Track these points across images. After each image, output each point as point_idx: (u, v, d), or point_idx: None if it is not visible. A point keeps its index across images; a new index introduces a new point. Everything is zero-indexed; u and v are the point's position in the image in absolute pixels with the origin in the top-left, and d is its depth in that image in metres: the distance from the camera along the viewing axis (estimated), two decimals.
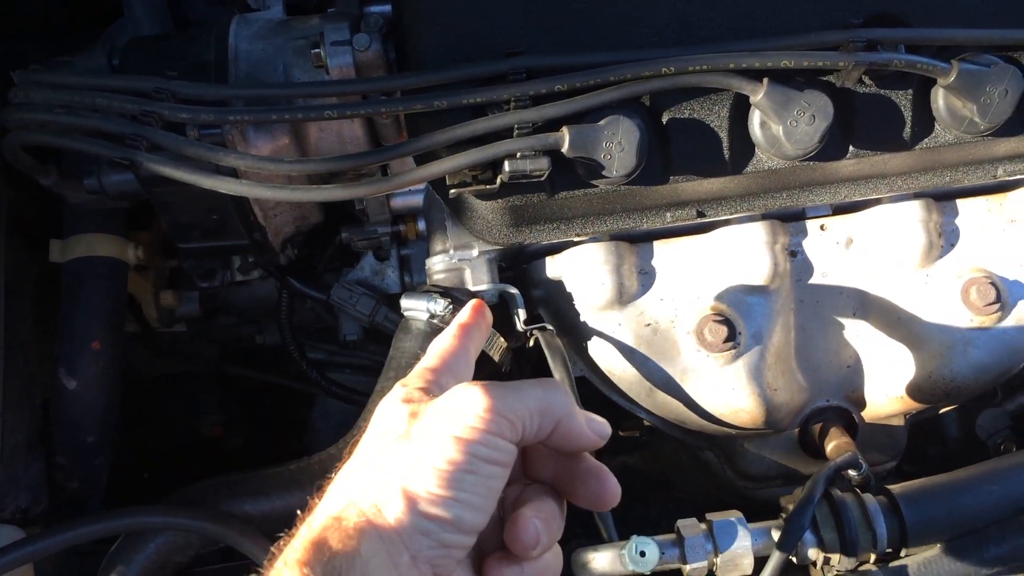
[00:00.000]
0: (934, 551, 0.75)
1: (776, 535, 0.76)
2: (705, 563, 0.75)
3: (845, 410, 0.89)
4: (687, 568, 0.76)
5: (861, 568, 0.75)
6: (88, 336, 0.90)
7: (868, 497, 0.76)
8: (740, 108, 0.73)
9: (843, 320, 0.88)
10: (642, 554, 0.72)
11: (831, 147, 0.74)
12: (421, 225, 0.94)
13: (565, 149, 0.70)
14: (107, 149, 0.68)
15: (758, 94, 0.69)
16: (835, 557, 0.75)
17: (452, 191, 0.73)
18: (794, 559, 0.76)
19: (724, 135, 0.74)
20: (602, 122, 0.70)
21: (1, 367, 0.84)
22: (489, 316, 0.65)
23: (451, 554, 0.53)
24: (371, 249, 0.96)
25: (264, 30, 0.79)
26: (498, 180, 0.72)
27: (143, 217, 1.00)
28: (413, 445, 0.53)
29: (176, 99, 0.69)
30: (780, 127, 0.70)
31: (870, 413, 0.90)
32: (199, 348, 1.18)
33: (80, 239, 0.92)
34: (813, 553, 0.75)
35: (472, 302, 0.65)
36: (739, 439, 0.91)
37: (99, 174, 0.79)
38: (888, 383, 0.88)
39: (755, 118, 0.73)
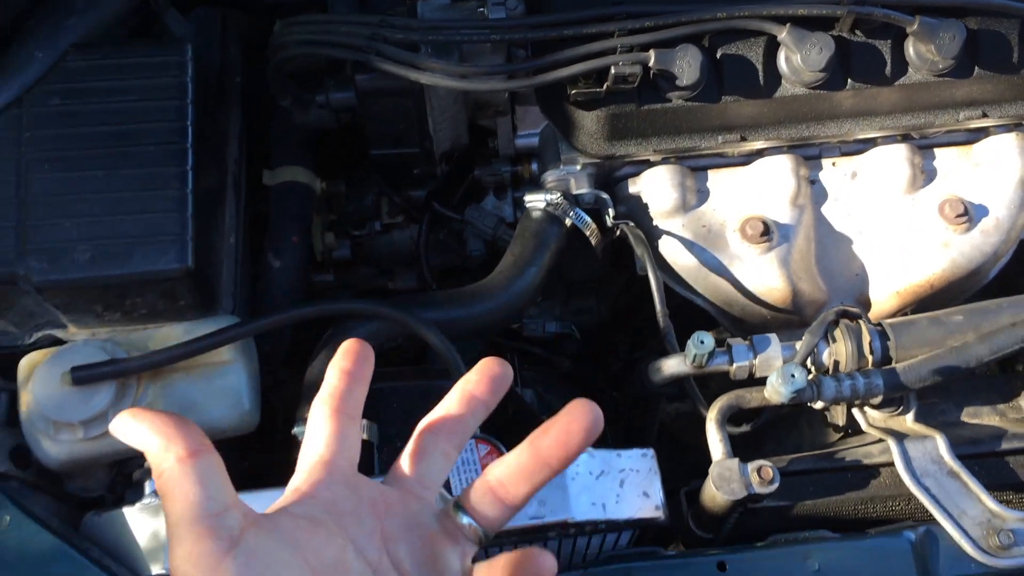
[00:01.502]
0: (920, 357, 1.00)
1: (799, 346, 1.02)
2: (747, 363, 1.02)
3: (855, 311, 1.16)
4: (733, 367, 1.02)
5: (860, 369, 1.00)
6: (290, 232, 1.21)
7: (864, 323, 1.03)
8: (771, 47, 1.07)
9: (851, 236, 1.17)
10: (702, 342, 0.99)
11: (834, 79, 1.07)
12: (534, 166, 1.26)
13: (652, 63, 1.04)
14: (351, 54, 1.04)
15: (783, 33, 1.04)
16: (842, 361, 1.01)
17: (572, 93, 1.06)
18: (811, 365, 1.02)
19: (759, 66, 1.07)
20: (677, 48, 1.04)
21: (236, 255, 1.14)
22: (368, 361, 0.63)
23: None
24: (494, 186, 1.28)
25: (439, 6, 1.17)
26: (604, 86, 1.06)
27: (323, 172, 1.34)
28: None
29: (393, 28, 1.06)
30: (798, 55, 1.04)
31: (876, 312, 1.16)
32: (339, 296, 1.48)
33: (286, 169, 1.26)
34: (827, 356, 1.02)
35: (346, 345, 0.63)
36: (772, 325, 1.18)
37: (327, 92, 1.15)
38: (888, 285, 1.15)
39: (781, 54, 1.07)
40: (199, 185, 1.01)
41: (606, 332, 1.50)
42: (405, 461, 0.61)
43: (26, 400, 0.99)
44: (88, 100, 1.00)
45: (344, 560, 0.54)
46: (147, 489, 0.99)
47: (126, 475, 1.07)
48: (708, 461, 0.99)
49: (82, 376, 0.96)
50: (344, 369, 0.61)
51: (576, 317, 1.45)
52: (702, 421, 1.03)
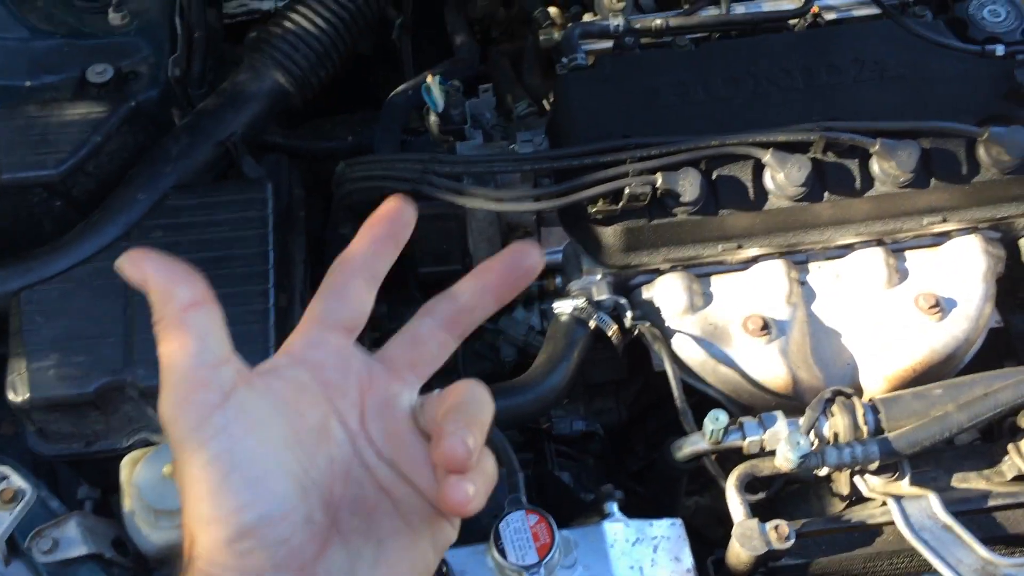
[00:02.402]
0: (908, 427, 1.15)
1: (802, 421, 1.17)
2: (758, 438, 1.16)
3: (849, 391, 1.31)
4: (745, 442, 1.16)
5: (858, 439, 1.15)
6: None
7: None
8: (758, 168, 1.27)
9: (839, 329, 1.33)
10: (717, 418, 1.14)
11: (813, 193, 1.26)
12: (557, 280, 1.43)
13: (659, 184, 1.23)
14: (406, 185, 1.24)
15: (767, 156, 1.24)
16: (841, 433, 1.15)
17: (592, 213, 1.25)
18: (814, 437, 1.16)
19: (749, 184, 1.27)
20: (679, 170, 1.24)
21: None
22: (406, 212, 0.59)
23: (290, 545, 0.49)
24: (523, 299, 1.46)
25: (475, 146, 1.38)
26: (619, 205, 1.24)
27: None
28: (177, 470, 0.50)
29: (440, 163, 1.26)
30: (781, 173, 1.24)
31: (867, 396, 1.32)
32: None
33: None
34: (827, 429, 1.16)
35: (386, 204, 0.59)
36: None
37: None
38: (876, 371, 1.30)
39: (767, 173, 1.26)
40: (277, 299, 1.18)
41: (624, 433, 1.64)
42: (401, 342, 0.57)
43: (130, 493, 1.12)
44: (185, 232, 1.19)
45: (327, 427, 0.53)
46: None
47: None
48: (726, 546, 1.11)
49: None
50: (371, 231, 0.58)
51: (597, 418, 1.59)
52: (721, 514, 1.16)
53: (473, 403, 0.53)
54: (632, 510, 1.40)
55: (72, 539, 1.03)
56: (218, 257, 1.17)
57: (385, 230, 0.59)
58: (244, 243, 1.18)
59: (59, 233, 1.20)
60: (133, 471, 1.12)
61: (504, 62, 1.73)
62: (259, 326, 1.13)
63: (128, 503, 1.11)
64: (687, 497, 1.52)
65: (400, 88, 1.55)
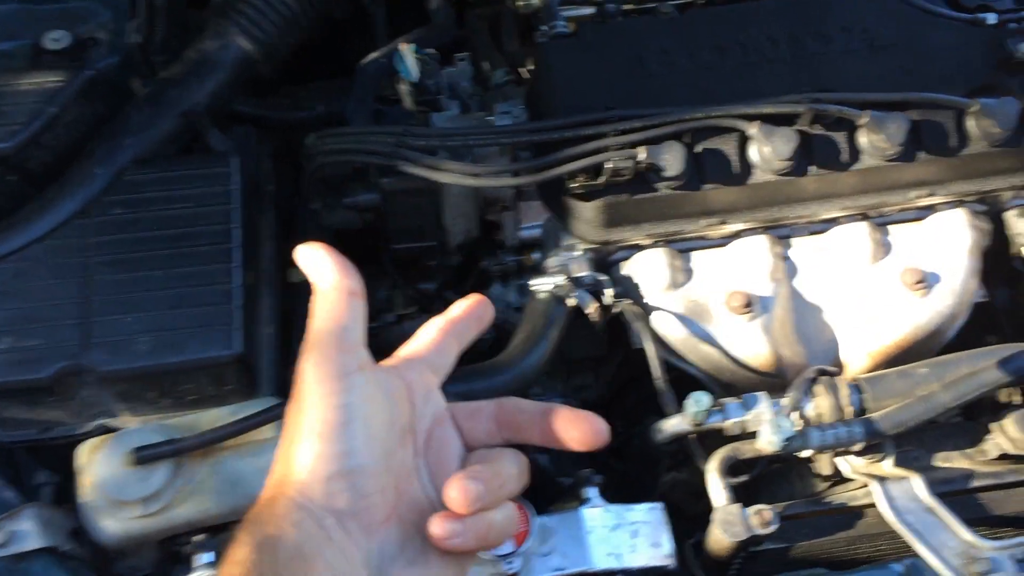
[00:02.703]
0: (892, 407, 1.12)
1: (785, 401, 1.14)
2: (740, 419, 1.13)
3: (832, 370, 1.29)
4: (727, 423, 1.14)
5: (841, 420, 1.12)
6: None
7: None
8: (743, 141, 1.22)
9: (823, 305, 1.30)
10: (699, 400, 1.11)
11: (799, 167, 1.22)
12: (535, 256, 1.39)
13: (641, 158, 1.19)
14: (379, 159, 1.19)
15: (753, 128, 1.19)
16: (824, 414, 1.13)
17: (572, 187, 1.21)
18: (799, 415, 1.13)
19: (734, 158, 1.23)
20: (662, 144, 1.20)
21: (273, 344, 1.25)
22: (488, 312, 0.74)
23: (369, 502, 0.59)
24: (500, 275, 1.42)
25: (450, 117, 1.32)
26: (601, 180, 1.20)
27: None
28: (298, 408, 0.61)
29: (415, 136, 1.21)
30: (767, 147, 1.20)
31: (851, 373, 1.29)
32: None
33: None
34: (810, 410, 1.14)
35: (473, 297, 0.74)
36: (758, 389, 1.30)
37: (354, 194, 1.29)
38: (860, 348, 1.27)
39: (752, 146, 1.22)
40: (243, 279, 1.13)
41: (604, 409, 1.61)
42: (431, 350, 0.70)
43: (87, 482, 1.08)
44: (146, 208, 1.14)
45: (407, 434, 0.64)
46: (201, 560, 1.07)
47: (173, 552, 1.15)
48: (707, 524, 1.09)
49: (144, 456, 1.06)
50: (469, 307, 0.73)
51: (576, 394, 1.56)
52: (698, 488, 1.13)
53: (502, 475, 0.63)
54: (610, 488, 1.38)
55: (26, 532, 0.99)
56: (180, 234, 1.12)
57: (478, 311, 0.74)
58: (208, 220, 1.13)
59: (13, 209, 1.15)
60: (91, 459, 1.08)
61: (482, 27, 1.67)
62: (223, 307, 1.09)
63: (86, 493, 1.07)
64: (664, 472, 1.50)
65: (373, 55, 1.49)
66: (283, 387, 1.26)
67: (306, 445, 0.59)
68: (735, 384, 1.28)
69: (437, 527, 0.59)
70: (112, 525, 1.07)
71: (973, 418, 1.27)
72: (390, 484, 0.61)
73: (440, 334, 0.71)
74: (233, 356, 1.08)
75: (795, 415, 1.13)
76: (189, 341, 1.08)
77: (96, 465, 1.08)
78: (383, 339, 1.50)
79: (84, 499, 1.08)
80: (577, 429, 0.67)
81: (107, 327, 1.08)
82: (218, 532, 1.11)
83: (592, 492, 1.12)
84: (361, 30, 1.85)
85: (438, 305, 1.45)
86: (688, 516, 1.32)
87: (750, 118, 1.19)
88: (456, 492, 0.59)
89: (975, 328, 1.36)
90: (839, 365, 1.28)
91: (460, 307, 0.73)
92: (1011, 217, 1.35)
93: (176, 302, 1.09)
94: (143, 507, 1.07)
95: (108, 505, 1.07)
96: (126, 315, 1.08)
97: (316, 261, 0.65)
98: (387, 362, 0.68)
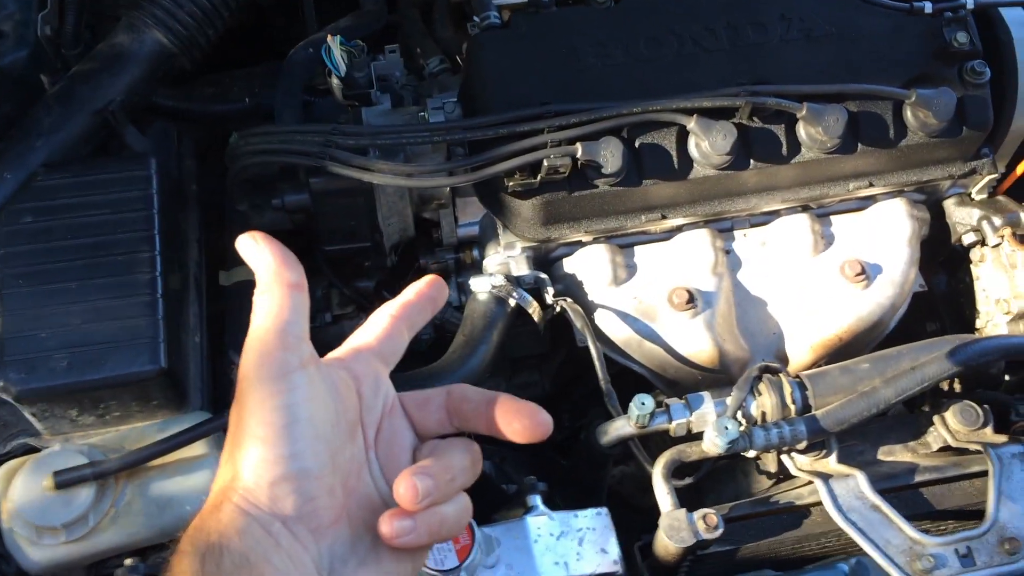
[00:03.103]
0: (836, 404, 1.11)
1: (729, 401, 1.13)
2: (685, 420, 1.12)
3: (776, 367, 1.28)
4: (672, 425, 1.12)
5: (785, 419, 1.11)
6: (247, 329, 1.28)
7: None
8: (682, 136, 1.20)
9: (766, 298, 1.29)
10: (643, 403, 1.09)
11: (739, 161, 1.20)
12: (476, 253, 1.36)
13: (579, 155, 1.15)
14: (307, 159, 1.13)
15: (691, 123, 1.17)
16: (768, 412, 1.12)
17: (510, 185, 1.17)
18: (741, 417, 1.12)
19: (674, 153, 1.20)
20: (600, 140, 1.16)
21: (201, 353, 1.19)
22: (443, 293, 0.72)
23: (317, 504, 0.58)
24: (439, 273, 1.37)
25: (382, 112, 1.27)
26: (538, 177, 1.17)
27: None
28: (239, 411, 0.59)
29: (344, 135, 1.16)
30: (706, 142, 1.17)
31: (794, 365, 1.28)
32: None
33: (240, 269, 1.32)
34: (754, 408, 1.12)
35: (428, 278, 0.73)
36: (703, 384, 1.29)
37: (282, 195, 1.23)
38: (803, 340, 1.26)
39: (691, 141, 1.20)
40: (166, 288, 1.07)
41: (550, 405, 1.58)
42: (380, 339, 0.69)
43: (6, 508, 1.02)
44: (59, 216, 1.07)
45: (356, 428, 0.63)
46: None
47: None
48: (655, 520, 1.08)
49: (64, 480, 1.00)
50: (421, 291, 0.71)
51: (521, 392, 1.53)
52: (646, 482, 1.12)
53: (452, 467, 0.62)
54: (556, 485, 1.36)
55: None
56: (97, 243, 1.06)
57: (431, 292, 0.72)
58: (127, 227, 1.07)
59: None
60: (10, 484, 1.02)
61: (414, 13, 1.61)
62: (145, 319, 1.03)
63: (6, 519, 1.01)
64: (613, 466, 1.48)
65: (300, 44, 1.42)
66: (216, 397, 1.21)
67: (250, 450, 0.57)
68: (680, 381, 1.27)
69: (387, 526, 0.58)
70: (36, 552, 1.02)
71: (914, 409, 1.28)
72: (338, 483, 0.60)
73: (391, 320, 0.69)
74: (157, 371, 1.03)
75: (739, 414, 1.12)
76: (109, 356, 1.02)
77: (16, 490, 1.03)
78: (320, 339, 1.45)
79: (5, 525, 1.03)
80: (519, 422, 0.66)
81: (21, 344, 1.02)
82: (149, 554, 1.06)
83: (536, 500, 1.09)
84: (288, 12, 1.78)
85: (376, 305, 1.41)
86: (638, 508, 1.32)
87: (688, 112, 1.16)
88: (405, 489, 0.58)
89: (915, 316, 1.37)
90: (783, 358, 1.27)
91: (413, 290, 0.71)
92: (950, 205, 1.36)
93: (94, 315, 1.03)
94: (67, 533, 1.02)
95: (30, 532, 1.02)
96: (40, 331, 1.02)
97: (256, 252, 0.62)
98: (333, 354, 0.66)
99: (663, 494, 1.07)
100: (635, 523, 1.19)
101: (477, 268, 1.33)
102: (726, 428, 1.05)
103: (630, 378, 1.28)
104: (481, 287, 1.23)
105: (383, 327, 0.69)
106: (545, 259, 1.29)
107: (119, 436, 1.10)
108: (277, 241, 0.63)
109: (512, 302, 1.21)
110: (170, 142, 1.26)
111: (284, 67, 1.38)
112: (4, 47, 1.20)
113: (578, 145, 1.15)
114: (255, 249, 0.62)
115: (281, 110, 1.30)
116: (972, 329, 1.39)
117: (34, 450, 1.08)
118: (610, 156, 1.16)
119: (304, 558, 0.56)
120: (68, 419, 1.06)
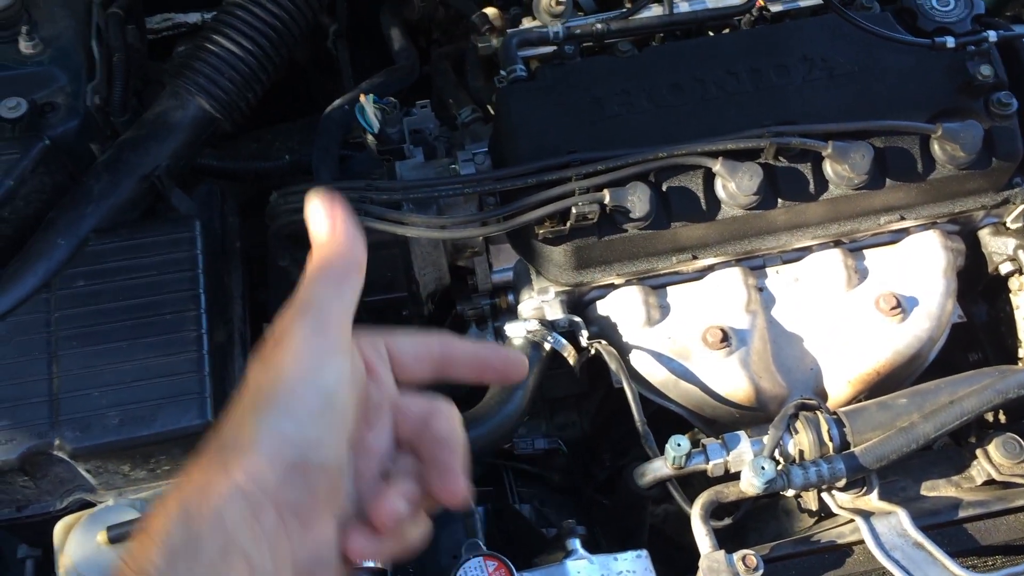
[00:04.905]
0: (875, 440, 1.11)
1: (766, 440, 1.13)
2: (722, 460, 1.12)
3: (813, 403, 1.28)
4: (709, 465, 1.12)
5: (823, 456, 1.11)
6: None
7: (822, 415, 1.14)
8: (708, 177, 1.22)
9: (801, 334, 1.29)
10: (679, 444, 1.10)
11: (767, 200, 1.22)
12: (510, 298, 1.38)
13: (607, 201, 1.18)
14: None
15: (717, 165, 1.19)
16: (806, 450, 1.12)
17: (540, 233, 1.20)
18: (779, 456, 1.12)
19: (701, 195, 1.22)
20: (627, 186, 1.19)
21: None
22: (515, 374, 0.67)
23: (315, 499, 0.53)
24: (476, 319, 1.40)
25: (415, 165, 1.31)
26: (568, 224, 1.19)
27: None
28: (276, 373, 0.54)
29: (378, 190, 1.19)
30: (732, 183, 1.19)
31: (832, 401, 1.28)
32: None
33: None
34: (792, 447, 1.12)
35: (516, 355, 0.67)
36: (741, 422, 1.29)
37: None
38: (840, 375, 1.26)
39: (718, 182, 1.21)
40: (211, 344, 1.11)
41: (590, 444, 1.60)
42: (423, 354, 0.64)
43: (64, 563, 1.06)
44: (109, 279, 1.12)
45: (361, 416, 0.58)
46: None
47: None
48: (699, 557, 1.08)
49: (117, 535, 1.04)
50: (503, 358, 0.68)
51: (560, 432, 1.55)
52: (688, 520, 1.12)
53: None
54: (598, 525, 1.37)
55: None
56: (145, 304, 1.11)
57: (506, 367, 0.69)
58: (173, 287, 1.12)
59: None
60: (67, 539, 1.06)
61: (446, 65, 1.67)
62: (192, 376, 1.07)
63: (63, 573, 1.05)
64: (655, 505, 1.48)
65: (337, 102, 1.48)
66: None
67: (276, 421, 0.52)
68: (717, 419, 1.27)
69: (355, 551, 0.55)
70: None
71: (961, 441, 1.26)
72: (339, 483, 0.56)
73: (442, 348, 0.64)
74: (204, 426, 1.06)
75: (776, 453, 1.12)
76: (159, 413, 1.06)
77: (72, 545, 1.06)
78: None
79: None
80: (498, 363, 0.65)
81: (75, 403, 1.06)
82: None
83: (576, 543, 1.10)
84: (325, 69, 1.85)
85: None
86: (682, 545, 1.31)
87: (713, 155, 1.18)
88: (384, 516, 0.56)
89: (956, 347, 1.36)
90: (820, 394, 1.27)
91: (499, 354, 0.66)
92: (985, 235, 1.35)
93: (143, 374, 1.07)
94: None
95: None
96: (93, 390, 1.07)
97: (326, 217, 0.59)
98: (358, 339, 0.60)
99: (702, 535, 1.07)
100: (680, 560, 1.19)
101: (512, 313, 1.35)
102: (763, 468, 1.05)
103: (671, 416, 1.29)
104: (516, 332, 1.25)
105: (432, 350, 0.64)
106: (579, 302, 1.31)
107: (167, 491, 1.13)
108: (343, 215, 0.60)
109: (547, 346, 1.23)
110: (214, 201, 1.31)
111: (321, 125, 1.44)
112: (56, 119, 1.26)
113: (605, 192, 1.17)
114: (326, 212, 0.59)
115: (318, 167, 1.35)
116: (1015, 358, 1.37)
117: (89, 505, 1.12)
118: (638, 201, 1.18)
119: (284, 554, 0.51)
120: (120, 474, 1.10)
